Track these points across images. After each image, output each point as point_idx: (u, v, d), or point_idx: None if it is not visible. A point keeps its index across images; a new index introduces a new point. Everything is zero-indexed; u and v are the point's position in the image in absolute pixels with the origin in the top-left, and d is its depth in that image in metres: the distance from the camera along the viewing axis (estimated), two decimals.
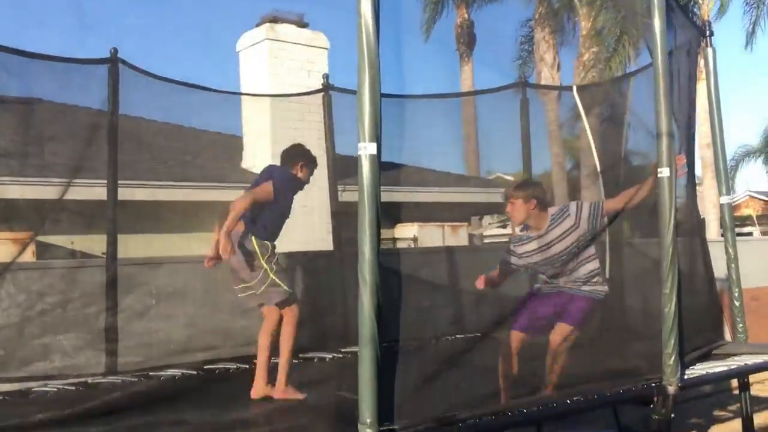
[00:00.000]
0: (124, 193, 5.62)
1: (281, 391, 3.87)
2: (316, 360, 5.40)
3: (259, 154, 8.71)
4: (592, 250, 4.26)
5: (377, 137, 2.76)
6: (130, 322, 5.28)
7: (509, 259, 4.43)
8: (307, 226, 7.95)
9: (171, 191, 8.12)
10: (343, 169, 6.97)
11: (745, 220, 31.11)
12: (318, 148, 7.04)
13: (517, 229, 4.61)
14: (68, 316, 5.10)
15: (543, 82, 15.42)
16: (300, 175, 4.62)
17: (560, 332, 4.09)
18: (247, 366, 4.99)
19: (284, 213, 4.51)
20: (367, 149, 2.75)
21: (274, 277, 4.16)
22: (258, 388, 3.97)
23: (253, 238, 4.23)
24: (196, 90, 6.06)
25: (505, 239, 13.54)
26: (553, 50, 16.64)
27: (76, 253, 7.14)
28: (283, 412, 3.22)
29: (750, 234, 27.61)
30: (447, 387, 3.69)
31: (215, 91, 6.29)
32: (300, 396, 3.96)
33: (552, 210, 4.30)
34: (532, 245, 4.29)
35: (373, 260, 2.72)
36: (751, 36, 15.58)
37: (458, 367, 4.27)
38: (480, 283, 4.42)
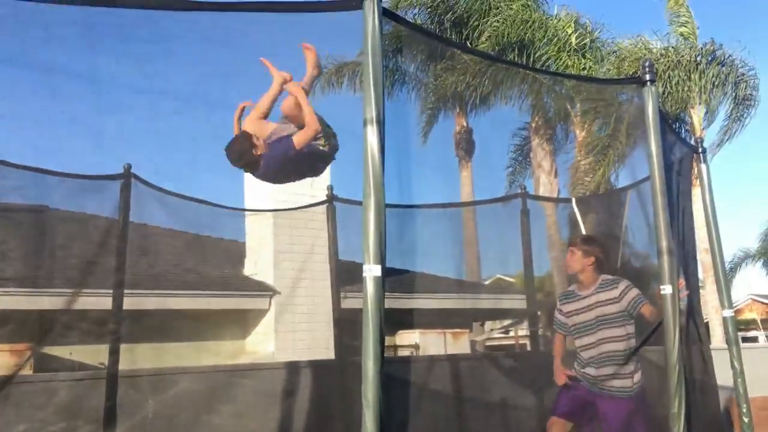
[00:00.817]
0: (128, 302, 5.63)
1: None
2: None
3: (260, 261, 8.78)
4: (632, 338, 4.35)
5: (382, 259, 2.81)
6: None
7: (558, 318, 4.63)
8: (310, 335, 7.94)
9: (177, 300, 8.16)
10: (346, 275, 7.00)
11: (749, 324, 30.83)
12: (320, 256, 7.14)
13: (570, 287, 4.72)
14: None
15: (541, 187, 15.78)
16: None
17: None
18: None
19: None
20: (372, 271, 2.79)
21: None
22: None
23: None
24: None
25: (509, 343, 13.45)
26: (549, 157, 17.08)
27: (75, 363, 7.06)
28: None
29: (755, 339, 27.32)
30: None
31: (222, 207, 6.44)
32: None
33: (605, 277, 4.50)
34: (577, 305, 4.48)
35: (376, 381, 2.70)
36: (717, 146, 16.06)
37: None
38: (560, 380, 4.41)
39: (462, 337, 10.92)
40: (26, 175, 4.78)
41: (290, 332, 8.31)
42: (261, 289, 8.75)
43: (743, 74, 15.20)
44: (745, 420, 4.89)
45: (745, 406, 4.90)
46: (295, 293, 8.53)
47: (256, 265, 8.85)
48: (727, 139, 15.68)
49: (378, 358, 2.74)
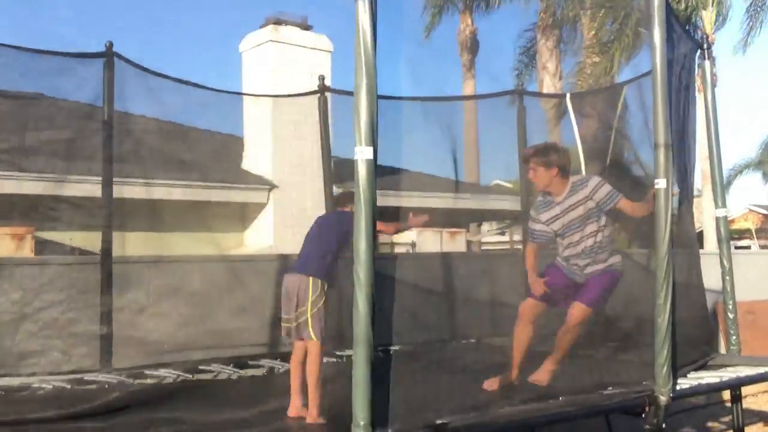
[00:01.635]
0: (122, 191, 5.63)
1: (313, 417, 3.78)
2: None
3: (259, 154, 8.75)
4: (606, 232, 4.45)
5: (374, 142, 2.79)
6: (125, 319, 5.30)
7: (535, 228, 4.64)
8: (303, 229, 7.98)
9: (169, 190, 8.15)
10: (340, 171, 6.98)
11: (744, 233, 31.15)
12: (319, 151, 7.10)
13: (539, 197, 4.75)
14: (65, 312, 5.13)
15: (545, 90, 15.55)
16: None
17: (579, 310, 4.28)
18: (240, 370, 5.02)
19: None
20: (363, 153, 2.78)
21: (309, 318, 3.96)
22: (293, 408, 3.84)
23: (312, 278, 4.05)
24: (196, 89, 6.06)
25: (505, 246, 13.63)
26: (555, 59, 16.75)
27: (75, 249, 7.16)
28: (276, 413, 3.23)
29: (748, 247, 27.66)
30: (440, 392, 3.73)
31: (213, 90, 6.29)
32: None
33: (574, 178, 4.55)
34: (555, 210, 4.52)
35: (368, 263, 2.75)
36: (745, 41, 15.72)
37: (452, 373, 4.30)
38: (537, 291, 4.45)
39: (458, 236, 11.05)
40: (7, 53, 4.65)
41: (288, 227, 8.37)
42: (259, 182, 8.76)
43: None
44: (730, 316, 5.02)
45: (731, 302, 5.01)
46: (293, 188, 8.55)
47: (255, 159, 8.82)
48: (755, 29, 15.25)
49: (370, 240, 2.77)
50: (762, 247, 28.79)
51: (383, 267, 6.23)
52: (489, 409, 3.33)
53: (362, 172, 2.78)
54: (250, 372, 5.05)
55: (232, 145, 9.33)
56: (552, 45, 16.63)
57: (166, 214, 7.32)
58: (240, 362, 5.22)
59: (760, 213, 32.34)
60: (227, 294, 6.20)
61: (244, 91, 8.77)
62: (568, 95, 6.69)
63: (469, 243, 11.47)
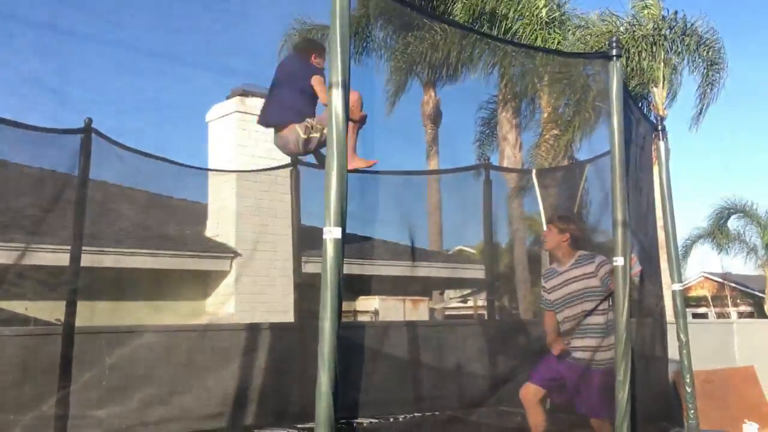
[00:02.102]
0: (86, 259, 5.57)
1: None
2: None
3: (222, 222, 8.73)
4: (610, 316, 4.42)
5: (342, 222, 2.84)
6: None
7: (542, 295, 4.84)
8: (266, 297, 7.97)
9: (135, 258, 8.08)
10: (308, 240, 7.01)
11: (701, 301, 31.74)
12: (283, 220, 7.14)
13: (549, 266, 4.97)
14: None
15: (506, 161, 15.91)
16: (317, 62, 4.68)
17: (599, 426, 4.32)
18: None
19: None
20: (332, 233, 2.82)
21: None
22: None
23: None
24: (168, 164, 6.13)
25: (468, 312, 13.65)
26: (515, 130, 17.21)
27: (30, 319, 6.99)
28: None
29: (705, 315, 28.13)
30: None
31: (183, 165, 6.37)
32: None
33: (582, 252, 4.71)
34: (556, 280, 4.70)
35: (332, 341, 2.75)
36: (698, 119, 16.42)
37: None
38: (557, 350, 4.54)
39: (421, 304, 11.07)
40: None
41: (250, 294, 8.32)
42: (222, 250, 8.73)
43: (708, 38, 15.50)
44: (688, 390, 5.08)
45: (688, 376, 5.08)
46: (257, 256, 8.53)
47: (218, 227, 8.81)
48: (705, 107, 15.96)
49: (335, 318, 2.78)
50: (718, 315, 29.38)
51: (348, 337, 6.25)
52: None
53: (330, 251, 2.81)
54: None
55: (196, 212, 9.34)
56: (512, 117, 17.12)
57: (126, 283, 7.23)
58: None
59: (714, 281, 33.10)
60: (186, 367, 6.08)
61: (210, 161, 8.83)
62: (534, 171, 6.89)
63: (431, 311, 11.49)
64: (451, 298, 13.73)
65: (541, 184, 6.78)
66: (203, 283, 8.76)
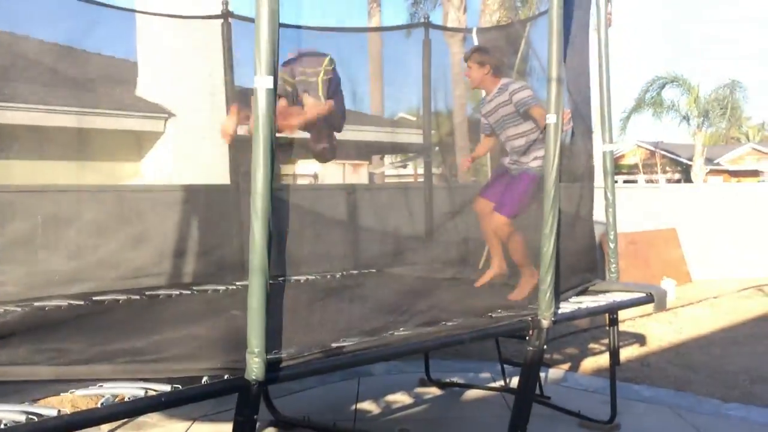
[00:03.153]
0: (5, 116, 5.32)
1: None
2: (209, 291, 5.39)
3: (155, 81, 8.38)
4: (532, 136, 4.85)
5: (274, 70, 2.75)
6: (11, 250, 5.08)
7: (482, 120, 5.24)
8: (203, 159, 7.83)
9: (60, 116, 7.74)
10: (243, 101, 6.82)
11: (633, 168, 32.91)
12: (220, 79, 6.87)
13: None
14: None
15: (449, 24, 15.57)
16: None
17: (498, 222, 4.83)
18: (138, 297, 4.95)
19: None
20: (263, 82, 2.74)
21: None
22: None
23: None
24: (87, 6, 5.70)
25: (408, 179, 13.85)
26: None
27: None
28: (172, 341, 3.23)
29: (636, 182, 29.26)
30: (338, 319, 3.82)
31: (106, 5, 5.94)
32: None
33: (505, 80, 5.02)
34: (487, 107, 5.09)
35: (265, 193, 2.75)
36: None
37: (351, 302, 4.41)
38: (463, 165, 5.54)
39: (361, 168, 11.13)
40: None
41: (185, 156, 8.16)
42: (155, 110, 8.45)
43: None
44: (611, 246, 5.34)
45: (612, 233, 5.33)
46: (192, 116, 8.30)
47: (150, 86, 8.45)
48: None
49: (268, 170, 2.76)
50: (647, 182, 30.59)
51: (284, 197, 6.26)
52: (383, 333, 3.45)
53: (262, 101, 2.75)
54: (145, 301, 4.98)
55: (126, 69, 8.90)
56: None
57: (54, 142, 6.97)
58: (136, 292, 5.13)
59: (646, 148, 34.18)
60: (123, 226, 6.04)
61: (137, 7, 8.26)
62: (474, 29, 6.75)
63: (371, 175, 11.58)
64: (390, 163, 13.84)
65: (483, 43, 6.67)
66: (137, 144, 8.53)
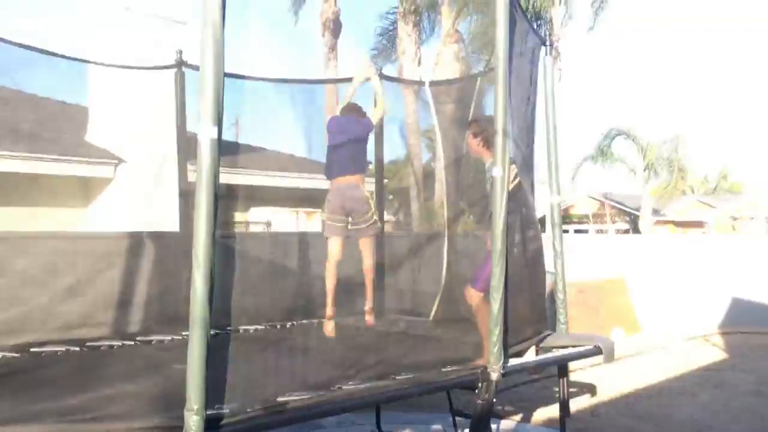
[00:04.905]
0: None
1: None
2: (154, 342, 5.24)
3: (105, 127, 8.27)
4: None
5: (219, 120, 2.74)
6: None
7: None
8: (156, 206, 7.69)
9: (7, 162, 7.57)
10: (195, 147, 6.74)
11: (582, 219, 33.57)
12: (171, 126, 6.82)
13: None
14: None
15: (405, 76, 15.84)
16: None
17: (474, 297, 4.70)
18: (77, 348, 4.78)
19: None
20: (207, 133, 2.72)
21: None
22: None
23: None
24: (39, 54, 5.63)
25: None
26: (414, 45, 17.09)
27: None
28: (108, 398, 3.10)
29: (586, 232, 29.82)
30: (282, 373, 3.74)
31: (60, 56, 5.87)
32: None
33: None
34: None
35: (207, 242, 2.71)
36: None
37: (296, 353, 4.32)
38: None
39: (316, 216, 11.08)
40: None
41: (134, 203, 8.02)
42: (105, 156, 8.32)
43: None
44: (560, 297, 5.39)
45: (561, 284, 5.38)
46: (142, 163, 8.19)
47: (100, 132, 8.34)
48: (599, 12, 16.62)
49: (210, 219, 2.72)
50: (597, 231, 31.24)
51: (233, 245, 6.17)
52: (330, 388, 3.38)
53: (205, 150, 2.72)
54: (85, 353, 4.81)
55: (76, 115, 8.80)
56: (412, 31, 16.95)
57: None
58: (77, 343, 4.96)
59: (596, 200, 35.01)
60: (66, 273, 5.86)
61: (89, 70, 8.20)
62: (427, 83, 6.85)
63: (324, 222, 11.52)
64: None
65: (436, 96, 6.79)
66: (85, 190, 8.36)
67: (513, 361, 4.25)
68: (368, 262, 5.62)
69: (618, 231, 32.42)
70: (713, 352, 11.07)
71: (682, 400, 7.87)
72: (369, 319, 5.49)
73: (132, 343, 5.16)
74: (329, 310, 5.25)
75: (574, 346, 5.06)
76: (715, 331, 12.94)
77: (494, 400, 4.00)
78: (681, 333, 12.51)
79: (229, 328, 5.32)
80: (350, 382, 3.49)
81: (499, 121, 4.01)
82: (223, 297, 4.55)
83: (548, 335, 5.17)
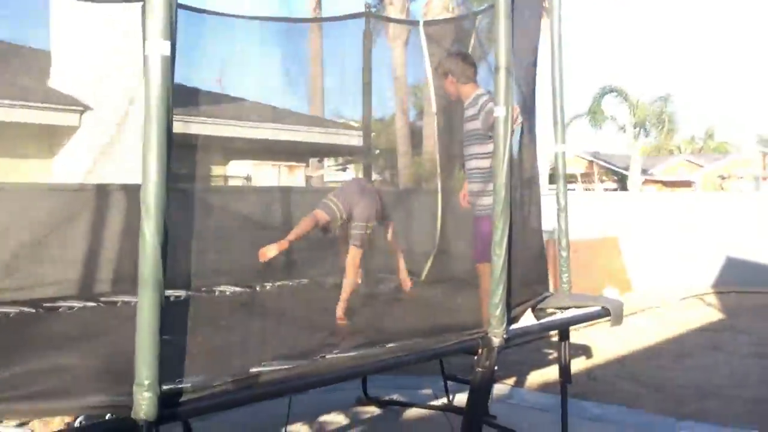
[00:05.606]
0: None
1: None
2: (119, 304, 4.77)
3: (70, 71, 7.65)
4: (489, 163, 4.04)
5: (172, 34, 2.23)
6: None
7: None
8: (120, 156, 7.14)
9: None
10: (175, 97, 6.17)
11: (570, 178, 33.28)
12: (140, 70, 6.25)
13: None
14: None
15: (391, 33, 15.18)
16: None
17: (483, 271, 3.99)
18: (33, 310, 4.32)
19: None
20: (158, 49, 2.21)
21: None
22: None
23: None
24: None
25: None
26: None
27: None
28: (49, 371, 2.64)
29: (573, 191, 29.51)
30: (257, 340, 3.29)
31: None
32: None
33: (480, 91, 4.32)
34: (464, 116, 4.40)
35: (160, 186, 2.22)
36: None
37: (273, 318, 3.86)
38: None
39: (298, 171, 10.57)
40: None
41: (102, 153, 7.45)
42: (70, 103, 7.71)
43: None
44: (563, 254, 4.95)
45: (564, 241, 4.95)
46: (109, 109, 7.59)
47: (65, 76, 7.72)
48: None
49: (163, 156, 2.23)
50: (585, 190, 30.95)
51: (205, 198, 5.66)
52: (312, 357, 2.93)
53: (155, 70, 2.22)
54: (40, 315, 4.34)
55: (38, 59, 8.15)
56: None
57: None
58: (32, 304, 4.49)
59: (585, 159, 34.65)
60: (31, 228, 5.36)
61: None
62: (421, 23, 6.25)
63: (308, 178, 11.02)
64: (329, 167, 13.31)
65: (430, 38, 6.23)
66: (49, 139, 7.77)
67: (515, 325, 3.82)
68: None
69: (606, 190, 32.16)
70: (709, 312, 10.80)
71: (682, 362, 7.56)
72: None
73: (94, 304, 4.68)
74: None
75: (577, 307, 4.65)
76: (709, 291, 12.68)
77: (495, 368, 3.58)
78: (674, 293, 12.22)
79: (203, 289, 4.86)
80: (336, 351, 3.04)
81: (501, 54, 3.51)
82: (188, 254, 4.09)
83: (548, 296, 4.75)
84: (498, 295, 3.47)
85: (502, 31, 3.54)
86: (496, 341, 3.48)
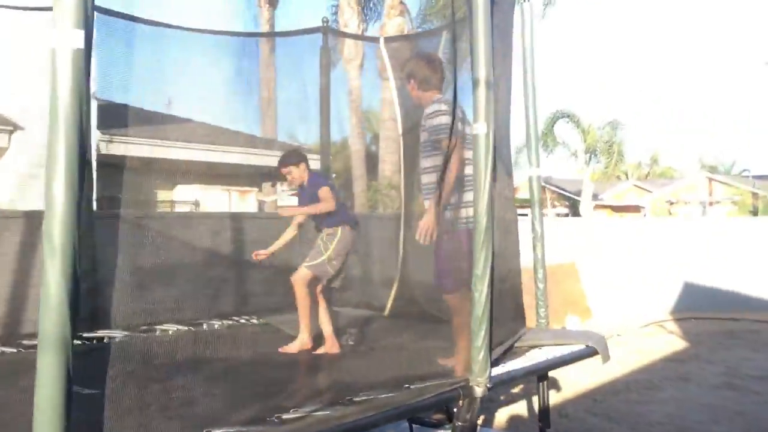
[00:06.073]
0: None
1: None
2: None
3: None
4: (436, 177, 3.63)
5: (86, 22, 1.75)
6: None
7: None
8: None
9: None
10: (109, 118, 5.62)
11: (523, 202, 33.33)
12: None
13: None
14: None
15: (347, 49, 14.85)
16: None
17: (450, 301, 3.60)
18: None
19: None
20: (67, 40, 1.73)
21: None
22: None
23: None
24: None
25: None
26: (357, 18, 16.07)
27: None
28: None
29: (526, 215, 29.48)
30: (196, 402, 2.76)
31: None
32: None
33: (438, 98, 3.78)
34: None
35: (69, 217, 1.72)
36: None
37: (218, 371, 3.31)
38: None
39: (250, 195, 10.03)
40: None
41: (33, 177, 6.84)
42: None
43: None
44: (540, 286, 4.57)
45: (541, 271, 4.57)
46: (41, 130, 6.99)
47: None
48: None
49: (73, 181, 1.74)
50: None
51: (146, 227, 5.11)
52: (265, 420, 2.43)
53: (64, 67, 1.73)
54: None
55: None
56: (354, 3, 15.94)
57: None
58: None
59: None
60: None
61: None
62: (382, 39, 5.85)
63: (261, 203, 10.48)
64: (283, 191, 12.76)
65: (391, 54, 5.84)
66: None
67: (497, 370, 3.37)
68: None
69: (558, 215, 32.27)
70: (671, 340, 10.57)
71: (652, 396, 7.23)
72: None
73: (14, 350, 4.10)
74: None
75: (557, 345, 4.24)
76: (668, 318, 12.52)
77: (477, 422, 3.13)
78: (634, 320, 12.00)
79: (142, 328, 4.29)
80: (292, 411, 2.54)
81: (481, 66, 3.11)
82: (126, 289, 3.57)
83: (527, 333, 4.33)
84: (480, 337, 3.02)
85: (482, 40, 3.15)
86: (479, 391, 3.02)
